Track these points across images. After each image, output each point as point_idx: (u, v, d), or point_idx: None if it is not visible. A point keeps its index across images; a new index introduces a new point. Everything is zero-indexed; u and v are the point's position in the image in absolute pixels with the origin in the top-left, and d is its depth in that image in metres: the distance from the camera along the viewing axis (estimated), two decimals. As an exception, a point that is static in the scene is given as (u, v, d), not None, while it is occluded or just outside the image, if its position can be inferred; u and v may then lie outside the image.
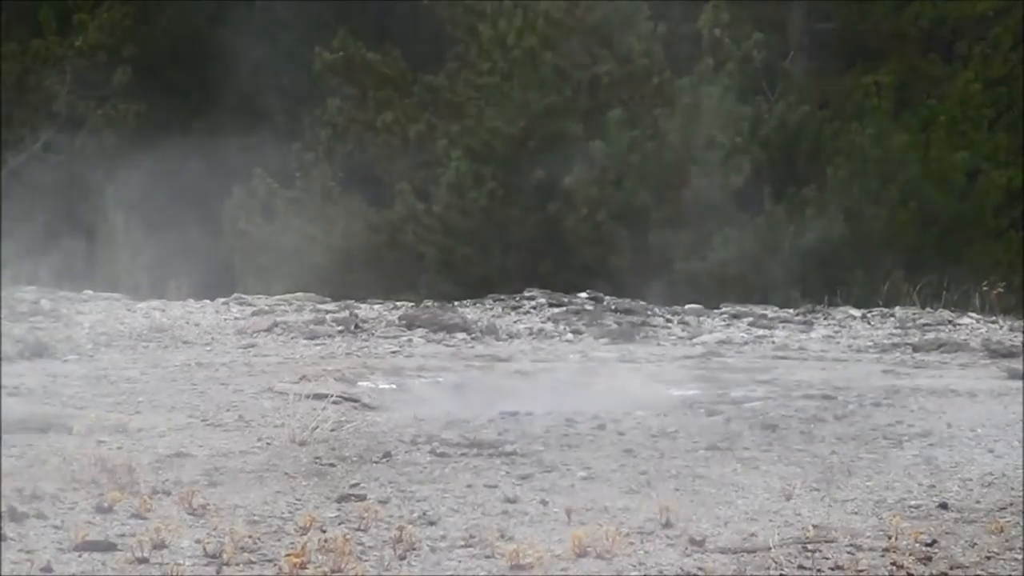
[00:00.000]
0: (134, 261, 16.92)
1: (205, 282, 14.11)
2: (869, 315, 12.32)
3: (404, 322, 11.42)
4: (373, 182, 17.27)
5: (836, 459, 7.25)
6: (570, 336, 11.22)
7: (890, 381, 9.36)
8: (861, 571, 5.57)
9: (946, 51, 18.28)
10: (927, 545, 5.85)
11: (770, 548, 5.77)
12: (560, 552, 5.65)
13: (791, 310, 12.59)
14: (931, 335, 11.33)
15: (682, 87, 16.56)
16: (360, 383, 9.08)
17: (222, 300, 12.43)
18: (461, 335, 11.06)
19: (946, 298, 12.91)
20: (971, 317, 12.16)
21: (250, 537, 5.72)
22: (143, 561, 5.46)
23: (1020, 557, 5.78)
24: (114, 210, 17.02)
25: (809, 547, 5.81)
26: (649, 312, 12.10)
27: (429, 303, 12.56)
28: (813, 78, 18.11)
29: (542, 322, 11.65)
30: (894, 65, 17.28)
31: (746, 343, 11.09)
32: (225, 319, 11.59)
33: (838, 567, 5.61)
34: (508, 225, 16.53)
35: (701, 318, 12.08)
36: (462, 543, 5.79)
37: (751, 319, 11.93)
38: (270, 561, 5.52)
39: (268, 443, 7.37)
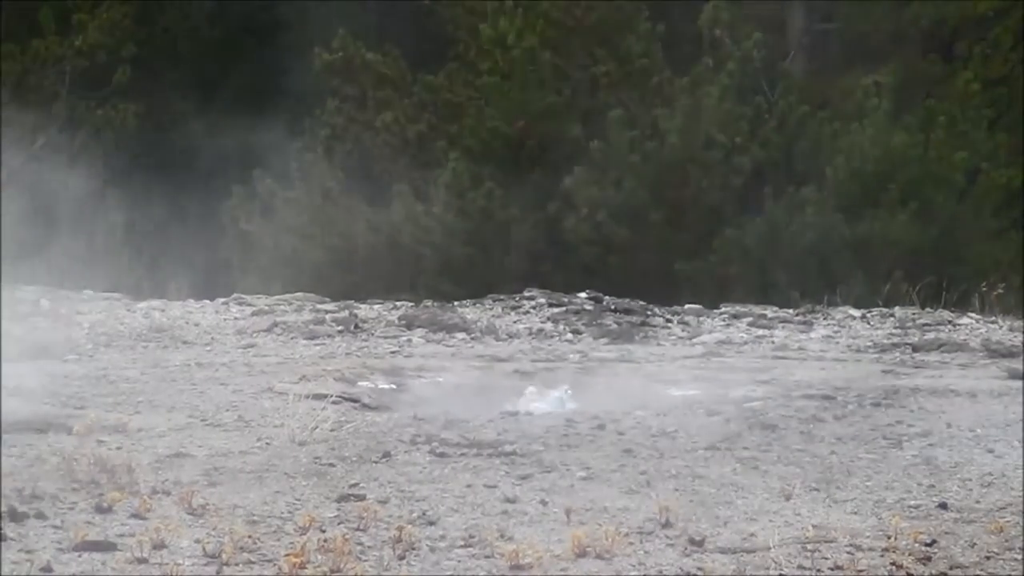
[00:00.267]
0: (134, 261, 16.93)
1: (205, 282, 14.13)
2: (869, 315, 12.32)
3: (404, 322, 11.42)
4: (373, 182, 17.26)
5: (836, 459, 7.25)
6: (570, 336, 11.22)
7: (890, 381, 9.36)
8: (861, 571, 5.57)
9: (946, 51, 18.27)
10: (927, 545, 5.85)
11: (770, 548, 5.77)
12: (560, 552, 5.65)
13: (791, 310, 12.59)
14: (931, 335, 11.33)
15: (682, 87, 16.55)
16: (360, 383, 9.08)
17: (222, 300, 12.43)
18: (461, 335, 11.06)
19: (946, 298, 12.90)
20: (971, 317, 12.16)
21: (250, 537, 5.73)
22: (143, 561, 5.46)
23: (1020, 557, 5.78)
24: (114, 210, 17.02)
25: (809, 547, 5.81)
26: (649, 312, 12.10)
27: (429, 303, 12.55)
28: (813, 78, 18.10)
29: (542, 322, 11.65)
30: (894, 65, 17.26)
31: (746, 343, 11.09)
32: (225, 319, 11.59)
33: (838, 567, 5.61)
34: (508, 225, 16.52)
35: (701, 318, 12.08)
36: (461, 543, 5.80)
37: (751, 319, 11.93)
38: (270, 561, 5.52)
39: (268, 443, 7.37)
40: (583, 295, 12.59)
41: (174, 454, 7.06)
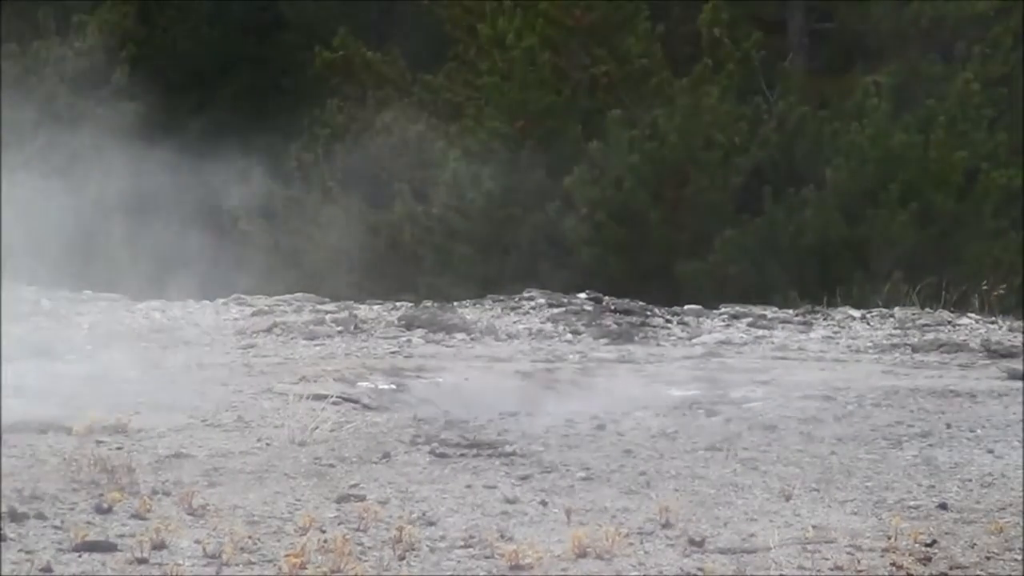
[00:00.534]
0: (134, 261, 16.92)
1: (205, 282, 14.10)
2: (868, 316, 12.31)
3: (403, 323, 11.41)
4: (372, 182, 17.26)
5: (835, 460, 7.25)
6: (570, 336, 11.22)
7: (889, 382, 9.36)
8: (861, 571, 5.57)
9: (946, 51, 18.26)
10: (927, 545, 5.85)
11: (770, 548, 5.77)
12: (560, 553, 5.66)
13: (790, 310, 12.58)
14: (930, 336, 11.32)
15: (682, 87, 16.55)
16: (359, 383, 9.08)
17: (222, 300, 12.42)
18: (460, 335, 11.06)
19: (945, 299, 12.89)
20: (970, 317, 12.15)
21: (250, 537, 5.73)
22: (143, 561, 5.46)
23: (1020, 557, 5.78)
24: (114, 210, 17.01)
25: (809, 547, 5.81)
26: (648, 312, 12.09)
27: (428, 304, 12.54)
28: (813, 78, 18.09)
29: (541, 322, 11.64)
30: (894, 65, 17.26)
31: (745, 344, 11.08)
32: (225, 319, 11.59)
33: (838, 567, 5.62)
34: (507, 225, 16.52)
35: (700, 318, 12.07)
36: (461, 543, 5.80)
37: (750, 319, 11.93)
38: (270, 561, 5.53)
39: (267, 444, 7.38)
40: (583, 295, 12.58)
41: (174, 454, 7.06)
